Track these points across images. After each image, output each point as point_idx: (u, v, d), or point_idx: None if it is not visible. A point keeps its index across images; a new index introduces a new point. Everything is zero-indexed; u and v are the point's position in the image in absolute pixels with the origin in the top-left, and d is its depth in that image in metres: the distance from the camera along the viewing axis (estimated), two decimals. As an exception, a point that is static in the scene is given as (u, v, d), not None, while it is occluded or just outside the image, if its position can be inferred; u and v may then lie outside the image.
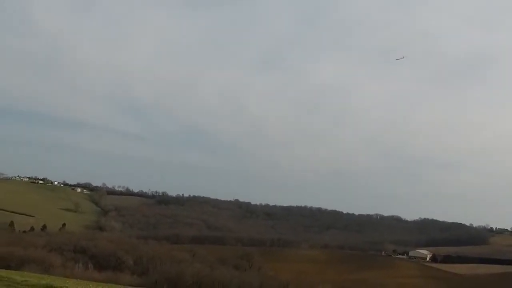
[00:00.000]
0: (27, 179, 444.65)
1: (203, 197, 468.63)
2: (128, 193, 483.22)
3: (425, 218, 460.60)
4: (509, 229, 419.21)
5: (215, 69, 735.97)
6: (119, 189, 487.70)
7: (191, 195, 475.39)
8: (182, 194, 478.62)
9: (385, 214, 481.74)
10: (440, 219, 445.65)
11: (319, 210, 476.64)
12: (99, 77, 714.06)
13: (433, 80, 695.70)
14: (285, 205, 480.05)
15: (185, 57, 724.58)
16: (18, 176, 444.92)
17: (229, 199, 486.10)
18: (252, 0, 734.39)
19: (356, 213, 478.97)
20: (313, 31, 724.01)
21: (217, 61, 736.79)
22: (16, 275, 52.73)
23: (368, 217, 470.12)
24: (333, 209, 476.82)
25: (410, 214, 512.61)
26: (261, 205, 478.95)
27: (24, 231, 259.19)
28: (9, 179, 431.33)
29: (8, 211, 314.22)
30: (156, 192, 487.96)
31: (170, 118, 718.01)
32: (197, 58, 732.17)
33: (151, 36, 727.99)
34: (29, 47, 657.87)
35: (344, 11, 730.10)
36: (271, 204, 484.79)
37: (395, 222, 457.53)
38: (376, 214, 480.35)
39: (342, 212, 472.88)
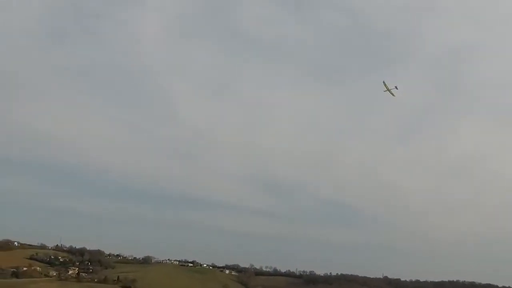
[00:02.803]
0: (177, 262, 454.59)
1: (351, 275, 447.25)
2: (276, 273, 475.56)
3: None
4: None
5: (352, 141, 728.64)
6: (267, 270, 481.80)
7: (339, 273, 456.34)
8: (330, 273, 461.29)
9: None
10: None
11: (472, 284, 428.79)
12: (237, 158, 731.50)
13: None
14: (436, 280, 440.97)
15: (321, 132, 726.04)
16: (168, 259, 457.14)
17: (377, 276, 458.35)
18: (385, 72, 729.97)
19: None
20: (447, 98, 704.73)
21: (353, 133, 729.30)
22: None
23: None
24: (488, 282, 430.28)
25: None
26: (411, 281, 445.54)
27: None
28: (160, 262, 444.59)
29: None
30: (303, 271, 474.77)
31: (311, 195, 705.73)
32: (333, 132, 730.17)
33: (286, 114, 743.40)
34: (171, 134, 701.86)
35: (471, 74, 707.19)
36: (421, 279, 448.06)
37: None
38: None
39: (497, 286, 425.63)
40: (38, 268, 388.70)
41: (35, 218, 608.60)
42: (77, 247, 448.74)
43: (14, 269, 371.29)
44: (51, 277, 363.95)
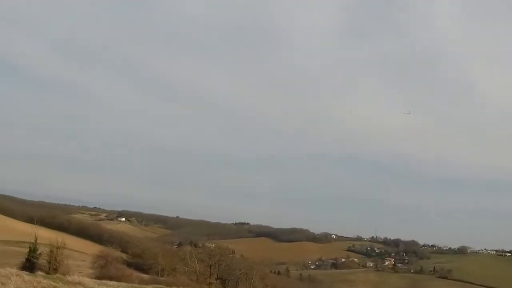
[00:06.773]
0: (494, 252, 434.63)
1: None
2: None
3: None
4: None
5: None
6: None
7: None
8: None
9: None
10: None
11: None
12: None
13: None
14: None
15: None
16: (484, 249, 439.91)
17: None
18: None
19: None
20: None
21: None
22: None
23: None
24: None
25: None
26: None
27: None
28: (476, 252, 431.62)
29: (476, 285, 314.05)
30: None
31: None
32: None
33: None
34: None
35: None
36: None
37: None
38: None
39: None
40: (355, 259, 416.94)
41: (351, 211, 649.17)
42: (391, 238, 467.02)
43: (334, 261, 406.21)
44: (368, 268, 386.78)
